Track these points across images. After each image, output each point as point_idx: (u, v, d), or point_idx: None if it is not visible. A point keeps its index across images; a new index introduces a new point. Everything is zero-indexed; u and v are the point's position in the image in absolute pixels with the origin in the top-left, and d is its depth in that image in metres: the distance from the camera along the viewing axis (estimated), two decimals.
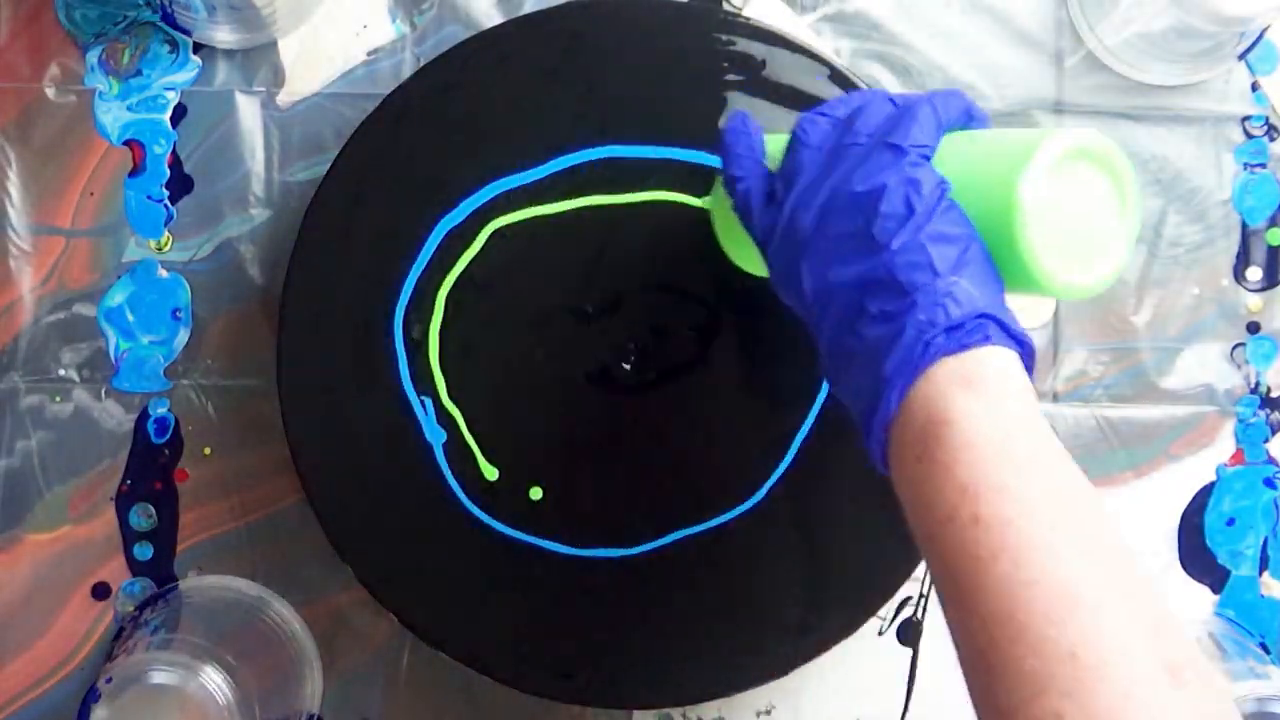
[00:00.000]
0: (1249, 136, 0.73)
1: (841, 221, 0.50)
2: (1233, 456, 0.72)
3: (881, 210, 0.49)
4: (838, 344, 0.50)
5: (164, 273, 0.71)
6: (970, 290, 0.48)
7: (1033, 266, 0.48)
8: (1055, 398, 0.72)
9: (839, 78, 0.68)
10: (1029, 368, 0.49)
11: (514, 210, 0.68)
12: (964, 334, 0.47)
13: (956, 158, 0.51)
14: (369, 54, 0.72)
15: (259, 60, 0.71)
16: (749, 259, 0.62)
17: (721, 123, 0.57)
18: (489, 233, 0.68)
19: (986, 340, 0.47)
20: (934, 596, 0.71)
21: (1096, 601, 0.42)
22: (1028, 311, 0.72)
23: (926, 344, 0.47)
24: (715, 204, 0.64)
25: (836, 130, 0.53)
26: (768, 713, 0.72)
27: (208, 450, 0.71)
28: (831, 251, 0.50)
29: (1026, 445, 0.46)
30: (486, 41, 0.68)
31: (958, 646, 0.46)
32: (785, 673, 0.68)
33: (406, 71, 0.71)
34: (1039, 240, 0.48)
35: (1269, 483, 0.72)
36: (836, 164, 0.52)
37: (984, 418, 0.46)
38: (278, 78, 0.71)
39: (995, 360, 0.47)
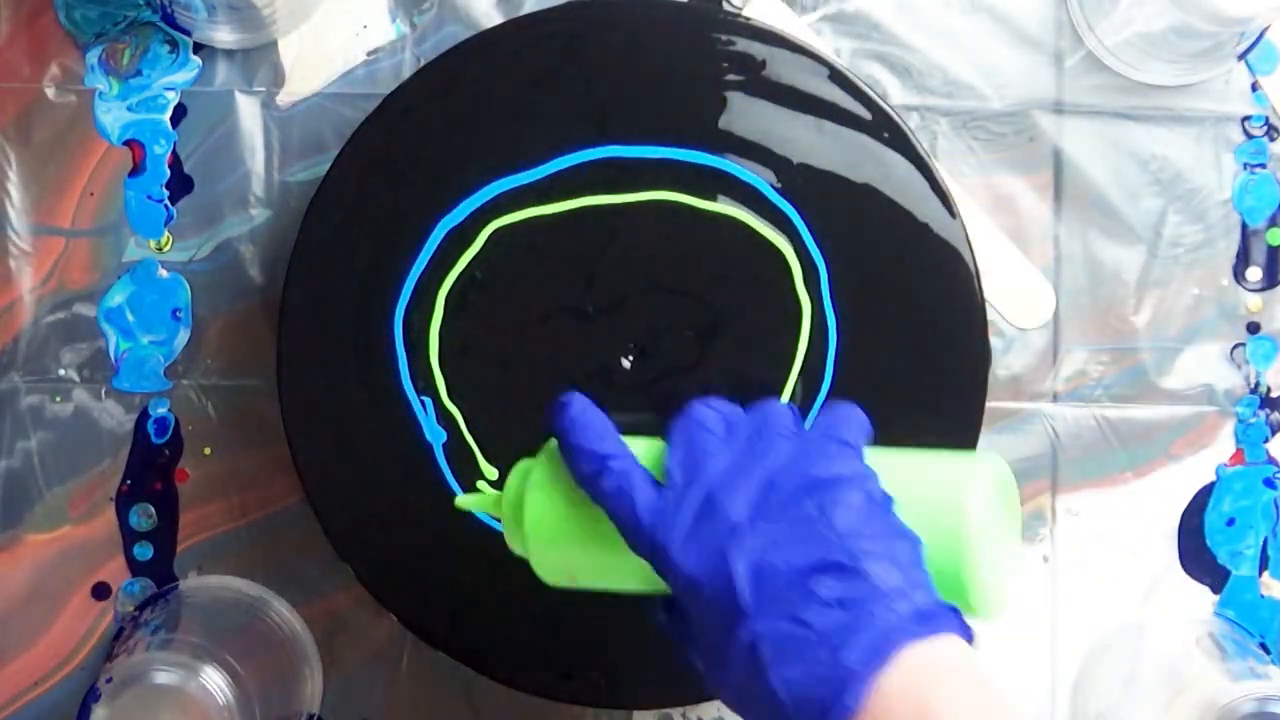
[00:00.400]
0: (1249, 136, 0.73)
1: (789, 508, 0.49)
2: (1233, 457, 0.72)
3: (841, 499, 0.48)
4: (776, 636, 0.47)
5: (164, 273, 0.71)
6: (930, 583, 0.48)
7: (974, 587, 0.49)
8: (1055, 398, 0.72)
9: (839, 78, 0.68)
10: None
11: (514, 210, 0.68)
12: (935, 622, 0.46)
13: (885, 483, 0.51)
14: (369, 54, 0.72)
15: (259, 60, 0.71)
16: (570, 555, 0.54)
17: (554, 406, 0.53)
18: (489, 233, 0.68)
19: (950, 629, 0.47)
20: None
21: None
22: (1026, 312, 0.72)
23: (895, 631, 0.46)
24: (535, 493, 0.54)
25: (741, 422, 0.52)
26: None
27: (208, 450, 0.71)
28: (775, 537, 0.48)
29: None
30: (486, 41, 0.68)
31: None
32: None
33: (406, 71, 0.71)
34: (982, 561, 0.49)
35: (1269, 483, 0.72)
36: (765, 451, 0.50)
37: (966, 707, 0.45)
38: (278, 78, 0.71)
39: (957, 647, 0.47)
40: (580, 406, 0.53)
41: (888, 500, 0.49)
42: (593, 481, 0.51)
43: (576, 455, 0.52)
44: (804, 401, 0.68)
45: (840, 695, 0.45)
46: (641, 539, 0.50)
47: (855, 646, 0.45)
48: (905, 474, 0.51)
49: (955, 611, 0.47)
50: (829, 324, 0.68)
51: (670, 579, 0.50)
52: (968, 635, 0.48)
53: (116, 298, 0.71)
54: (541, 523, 0.54)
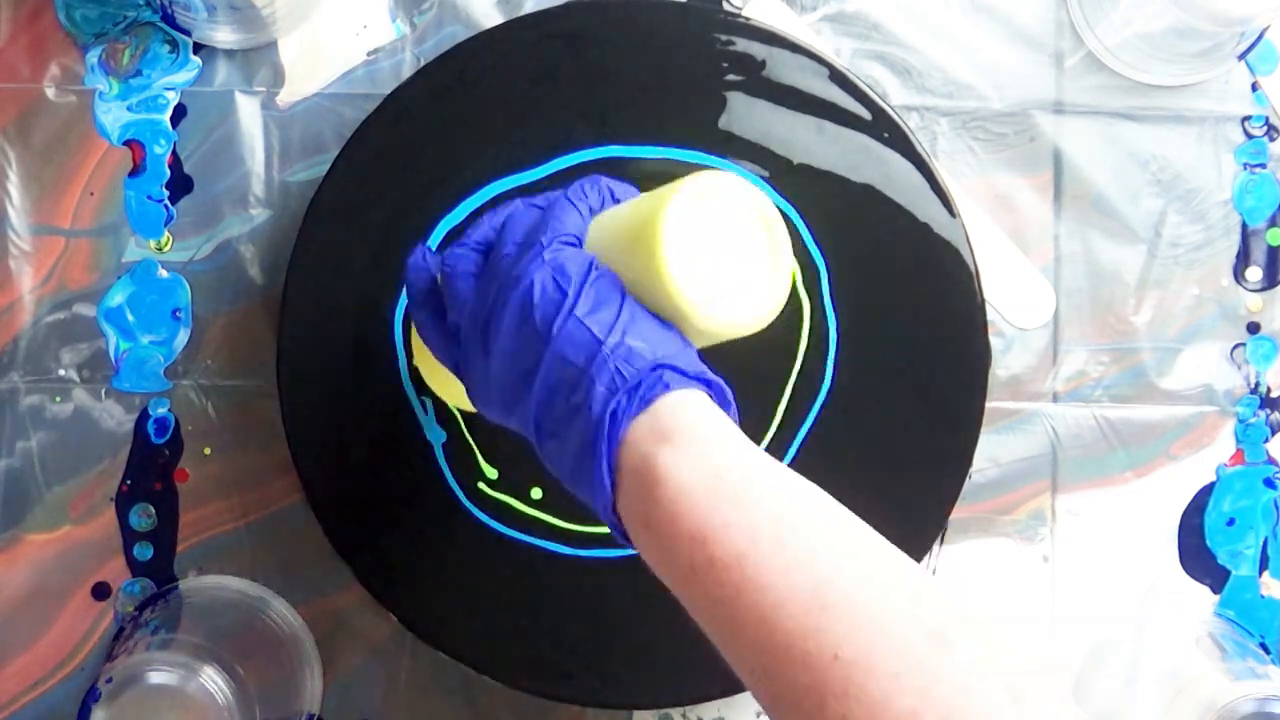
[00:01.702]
0: (1249, 136, 0.73)
1: (507, 331, 0.50)
2: (1233, 457, 0.72)
3: (535, 303, 0.49)
4: (553, 450, 0.50)
5: (164, 273, 0.71)
6: (639, 346, 0.48)
7: (686, 307, 0.49)
8: (1055, 398, 0.72)
9: (839, 78, 0.68)
10: (724, 405, 0.49)
11: None
12: (644, 389, 0.47)
13: (606, 232, 0.52)
14: (369, 54, 0.72)
15: (259, 60, 0.71)
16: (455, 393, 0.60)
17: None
18: None
19: (666, 389, 0.48)
20: None
21: (844, 598, 0.42)
22: (1026, 312, 0.72)
23: (613, 413, 0.47)
24: (418, 350, 0.63)
25: (487, 249, 0.54)
26: None
27: (208, 450, 0.71)
28: (509, 365, 0.50)
29: (737, 476, 0.46)
30: (486, 41, 0.68)
31: (752, 691, 0.45)
32: None
33: (406, 71, 0.71)
34: (685, 281, 0.49)
35: (1269, 483, 0.72)
36: (490, 280, 0.52)
37: (687, 464, 0.46)
38: (278, 78, 0.71)
39: (683, 406, 0.48)
40: (410, 265, 0.57)
41: (585, 275, 0.49)
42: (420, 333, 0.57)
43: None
44: (804, 401, 0.68)
45: (595, 487, 0.48)
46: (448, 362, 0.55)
47: (592, 440, 0.48)
48: (622, 219, 0.52)
49: (669, 368, 0.48)
50: (829, 324, 0.68)
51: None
52: (703, 384, 0.49)
53: (116, 298, 0.71)
54: (424, 360, 0.62)
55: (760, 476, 0.46)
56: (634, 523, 0.48)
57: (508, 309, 0.50)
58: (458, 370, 0.55)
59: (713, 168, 0.65)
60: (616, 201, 0.55)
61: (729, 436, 0.47)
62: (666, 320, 0.50)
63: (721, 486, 0.45)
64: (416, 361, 0.64)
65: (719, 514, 0.45)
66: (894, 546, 0.45)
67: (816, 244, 0.68)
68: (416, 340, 0.62)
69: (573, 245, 0.51)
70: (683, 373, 0.48)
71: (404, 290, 0.66)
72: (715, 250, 0.50)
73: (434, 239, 0.68)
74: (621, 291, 0.50)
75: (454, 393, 0.60)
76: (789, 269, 0.52)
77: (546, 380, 0.49)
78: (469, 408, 0.57)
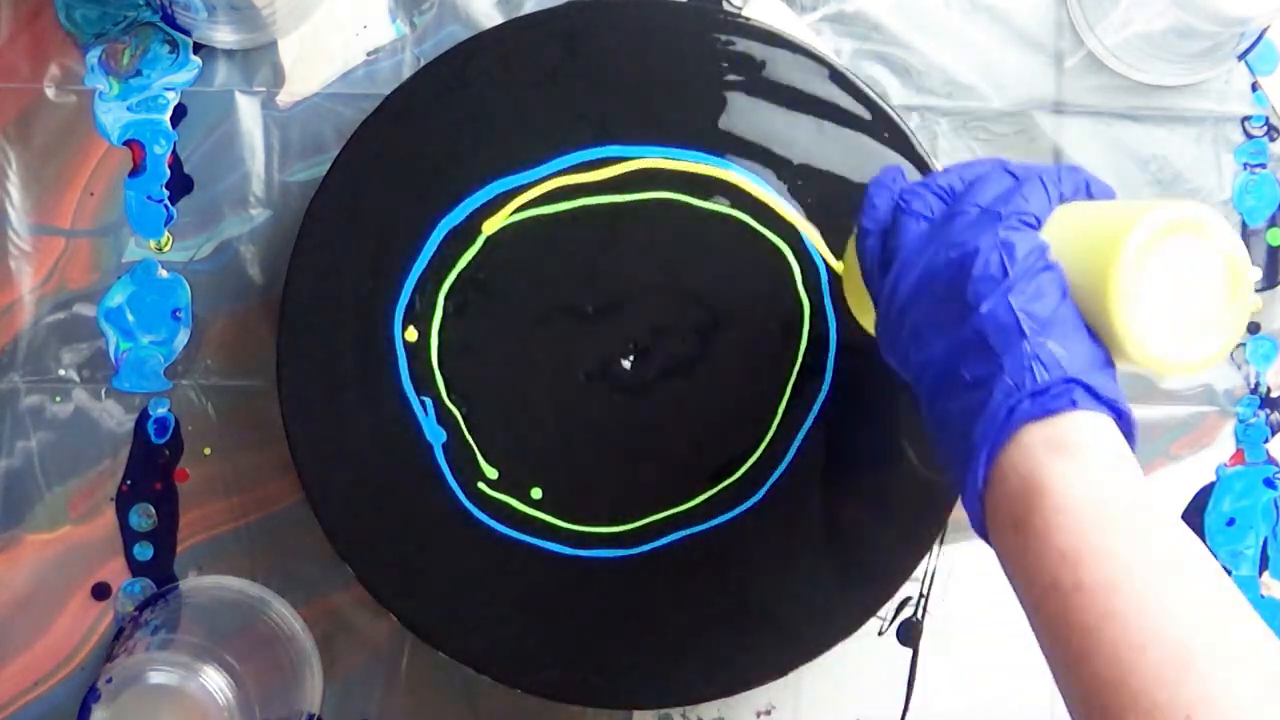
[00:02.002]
0: (1249, 136, 0.73)
1: (937, 288, 0.50)
2: (1233, 457, 0.72)
3: (974, 274, 0.48)
4: (935, 413, 0.50)
5: (164, 273, 0.71)
6: (1059, 353, 0.47)
7: (1125, 336, 0.48)
8: None
9: (839, 78, 0.68)
10: (1128, 434, 0.48)
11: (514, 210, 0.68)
12: (1049, 399, 0.46)
13: (1066, 227, 0.50)
14: (369, 54, 0.72)
15: (259, 60, 0.71)
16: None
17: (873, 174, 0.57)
18: (489, 233, 0.68)
19: (1073, 405, 0.46)
20: (934, 597, 0.71)
21: (1210, 662, 0.41)
22: None
23: (1011, 409, 0.47)
24: (847, 263, 0.61)
25: (948, 200, 0.53)
26: (768, 713, 0.72)
27: (208, 450, 0.71)
28: (927, 318, 0.50)
29: (1126, 508, 0.45)
30: (486, 41, 0.68)
31: (1072, 715, 0.44)
32: (785, 673, 0.68)
33: (406, 71, 0.71)
34: (1133, 309, 0.47)
35: (1269, 483, 0.72)
36: (941, 232, 0.51)
37: (1078, 482, 0.45)
38: (278, 78, 0.71)
39: (1087, 425, 0.46)
40: (875, 183, 0.56)
41: (1034, 262, 0.48)
42: (858, 253, 0.56)
43: (856, 231, 0.57)
44: (804, 401, 0.68)
45: (968, 472, 0.47)
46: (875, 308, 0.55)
47: (979, 426, 0.47)
48: (1087, 222, 0.50)
49: (1082, 385, 0.47)
50: (829, 324, 0.68)
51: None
52: (1111, 411, 0.47)
53: (116, 298, 0.71)
54: (849, 283, 0.62)
55: (1150, 514, 0.45)
56: (1003, 523, 0.47)
57: (947, 267, 0.49)
58: (876, 297, 0.54)
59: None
60: (1090, 197, 0.53)
61: (1125, 468, 0.46)
62: (1096, 333, 0.49)
63: (1109, 512, 0.44)
64: (843, 274, 0.62)
65: (1099, 539, 0.44)
66: (1260, 619, 0.43)
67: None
68: (849, 254, 0.60)
69: (1031, 227, 0.50)
70: (1095, 394, 0.47)
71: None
72: (1170, 283, 0.48)
73: (434, 239, 0.68)
74: (1063, 291, 0.48)
75: (868, 318, 0.60)
76: (1242, 324, 0.50)
77: (957, 349, 0.48)
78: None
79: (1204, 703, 0.40)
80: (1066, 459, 0.46)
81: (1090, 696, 0.43)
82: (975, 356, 0.48)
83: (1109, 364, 0.49)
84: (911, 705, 0.72)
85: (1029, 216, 0.50)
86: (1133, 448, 0.48)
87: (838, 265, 0.66)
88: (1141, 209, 0.48)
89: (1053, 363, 0.47)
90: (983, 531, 0.49)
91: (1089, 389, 0.47)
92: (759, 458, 0.68)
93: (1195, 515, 0.72)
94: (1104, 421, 0.47)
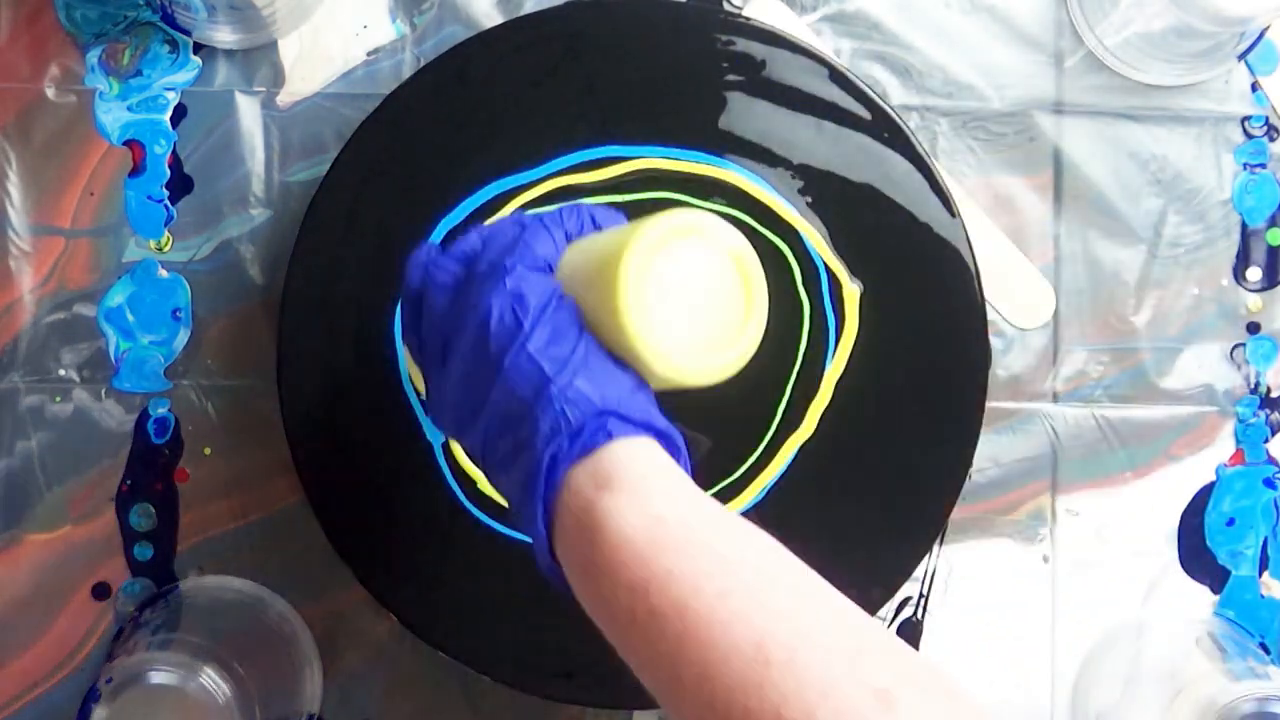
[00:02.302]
0: (1249, 136, 0.73)
1: (464, 355, 0.49)
2: (1233, 457, 0.72)
3: (491, 331, 0.48)
4: (501, 485, 0.50)
5: (164, 273, 0.71)
6: (586, 389, 0.47)
7: (644, 353, 0.47)
8: (1055, 398, 0.72)
9: (839, 78, 0.68)
10: (674, 451, 0.48)
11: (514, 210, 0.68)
12: (586, 436, 0.46)
13: (576, 263, 0.50)
14: (369, 54, 0.72)
15: (259, 60, 0.71)
16: None
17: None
18: None
19: (610, 437, 0.46)
20: (934, 597, 0.71)
21: (787, 654, 0.41)
22: (1026, 312, 0.72)
23: (554, 456, 0.46)
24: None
25: (469, 262, 0.52)
26: None
27: (208, 450, 0.71)
28: (463, 389, 0.50)
29: (678, 524, 0.45)
30: (486, 41, 0.68)
31: None
32: None
33: (406, 71, 0.71)
34: (647, 325, 0.47)
35: (1269, 483, 0.72)
36: (460, 299, 0.51)
37: (628, 511, 0.45)
38: (278, 78, 0.71)
39: (626, 454, 0.46)
40: (410, 261, 0.55)
41: (545, 306, 0.48)
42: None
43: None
44: (804, 401, 0.68)
45: (533, 531, 0.47)
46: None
47: (531, 483, 0.47)
48: (594, 251, 0.50)
49: (614, 415, 0.47)
50: (829, 324, 0.68)
51: None
52: (651, 432, 0.47)
53: (116, 298, 0.71)
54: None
55: (705, 525, 0.45)
56: (573, 569, 0.47)
57: (465, 333, 0.49)
58: (426, 376, 0.54)
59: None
60: (597, 228, 0.53)
61: (673, 485, 0.46)
62: (622, 360, 0.49)
63: (663, 535, 0.44)
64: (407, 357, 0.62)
65: (660, 563, 0.44)
66: (845, 599, 0.44)
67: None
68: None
69: (540, 271, 0.50)
70: (629, 420, 0.47)
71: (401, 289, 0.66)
72: (680, 294, 0.48)
73: (434, 239, 0.67)
74: (579, 327, 0.48)
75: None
76: (761, 322, 0.49)
77: (495, 411, 0.48)
78: None
79: (789, 695, 0.40)
80: (614, 492, 0.45)
81: (688, 716, 0.42)
82: (513, 417, 0.48)
83: (641, 387, 0.48)
84: None
85: (538, 261, 0.50)
86: (681, 463, 0.48)
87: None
88: (638, 225, 0.48)
89: (582, 400, 0.47)
90: (564, 586, 0.48)
91: (622, 417, 0.47)
92: (758, 457, 0.68)
93: (1195, 515, 0.72)
94: (646, 445, 0.47)
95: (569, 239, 0.52)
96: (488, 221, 0.56)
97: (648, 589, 0.43)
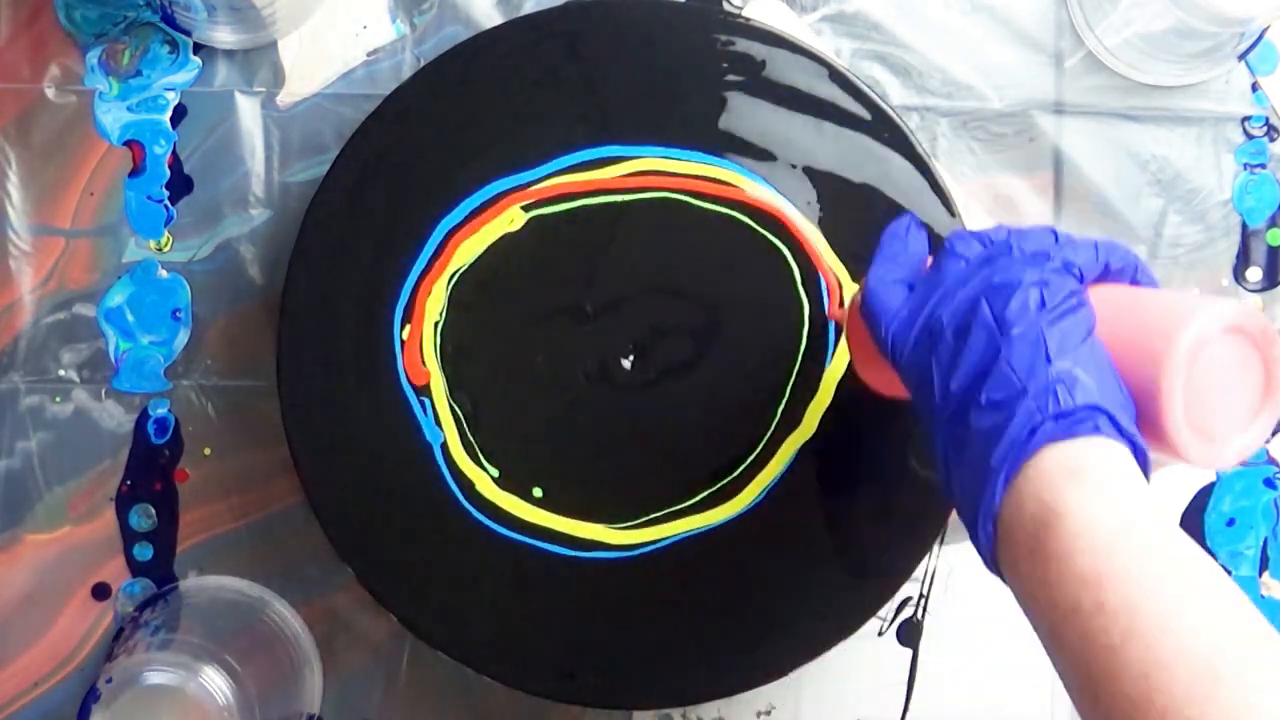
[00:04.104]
0: (1249, 137, 0.73)
1: (974, 315, 0.50)
2: None
3: (1011, 304, 0.49)
4: (951, 439, 0.50)
5: (164, 273, 0.71)
6: (1085, 381, 0.47)
7: (1170, 427, 0.48)
8: None
9: (839, 78, 0.68)
10: (1143, 468, 0.48)
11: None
12: (1072, 422, 0.46)
13: (1111, 308, 0.50)
14: (369, 54, 0.72)
15: (259, 60, 0.71)
16: (878, 373, 0.61)
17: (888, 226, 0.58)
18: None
19: (1096, 431, 0.46)
20: (934, 597, 0.71)
21: (1237, 675, 0.41)
22: None
23: (1033, 430, 0.46)
24: (849, 315, 0.61)
25: (990, 247, 0.53)
26: (768, 713, 0.72)
27: (208, 450, 0.71)
28: (958, 346, 0.50)
29: (1145, 532, 0.45)
30: (486, 42, 0.68)
31: None
32: (785, 673, 0.68)
33: (406, 72, 0.71)
34: (1178, 407, 0.47)
35: (1269, 483, 0.72)
36: (983, 269, 0.51)
37: (1097, 506, 0.45)
38: (278, 78, 0.71)
39: (1105, 453, 0.46)
40: (888, 234, 0.57)
41: (1068, 298, 0.49)
42: (866, 297, 0.56)
43: (866, 277, 0.56)
44: (804, 401, 0.68)
45: (983, 493, 0.47)
46: (884, 351, 0.54)
47: (999, 447, 0.47)
48: (1139, 303, 0.51)
49: (1106, 414, 0.47)
50: (829, 324, 0.68)
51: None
52: (1129, 443, 0.47)
53: (116, 298, 0.71)
54: (855, 337, 0.61)
55: (1168, 537, 0.45)
56: (1019, 547, 0.47)
57: (987, 297, 0.50)
58: (895, 339, 0.53)
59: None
60: (1135, 281, 0.53)
61: (1144, 495, 0.46)
62: (1127, 386, 0.49)
63: (1128, 535, 0.44)
64: (846, 326, 0.62)
65: (1120, 561, 0.44)
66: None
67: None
68: (851, 307, 0.60)
69: (1075, 277, 0.51)
70: (1117, 425, 0.47)
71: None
72: (1209, 380, 0.48)
73: (434, 239, 0.68)
74: (1091, 328, 0.49)
75: (883, 378, 0.60)
76: (1267, 429, 0.50)
77: (985, 373, 0.48)
78: (885, 390, 0.57)
79: (1233, 715, 0.40)
80: (1085, 485, 0.46)
81: (1115, 717, 0.42)
82: (999, 381, 0.48)
83: (1130, 403, 0.49)
84: (911, 705, 0.72)
85: (1073, 267, 0.51)
86: (1147, 479, 0.48)
87: (839, 313, 0.67)
88: (1193, 306, 0.48)
89: (1079, 388, 0.47)
90: (991, 559, 0.49)
91: (1112, 419, 0.47)
92: (758, 457, 0.68)
93: (1195, 515, 0.72)
94: (1123, 452, 0.47)
95: (1108, 269, 0.52)
96: None
97: (1100, 582, 0.44)
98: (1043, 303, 0.49)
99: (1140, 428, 0.48)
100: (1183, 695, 0.41)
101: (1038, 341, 0.48)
